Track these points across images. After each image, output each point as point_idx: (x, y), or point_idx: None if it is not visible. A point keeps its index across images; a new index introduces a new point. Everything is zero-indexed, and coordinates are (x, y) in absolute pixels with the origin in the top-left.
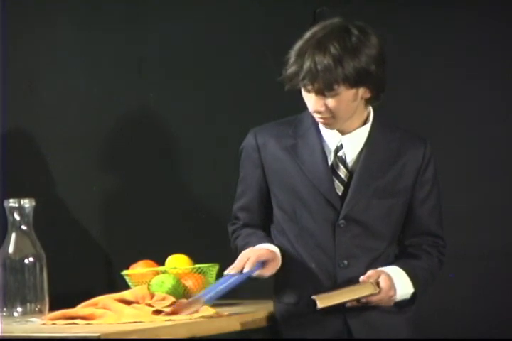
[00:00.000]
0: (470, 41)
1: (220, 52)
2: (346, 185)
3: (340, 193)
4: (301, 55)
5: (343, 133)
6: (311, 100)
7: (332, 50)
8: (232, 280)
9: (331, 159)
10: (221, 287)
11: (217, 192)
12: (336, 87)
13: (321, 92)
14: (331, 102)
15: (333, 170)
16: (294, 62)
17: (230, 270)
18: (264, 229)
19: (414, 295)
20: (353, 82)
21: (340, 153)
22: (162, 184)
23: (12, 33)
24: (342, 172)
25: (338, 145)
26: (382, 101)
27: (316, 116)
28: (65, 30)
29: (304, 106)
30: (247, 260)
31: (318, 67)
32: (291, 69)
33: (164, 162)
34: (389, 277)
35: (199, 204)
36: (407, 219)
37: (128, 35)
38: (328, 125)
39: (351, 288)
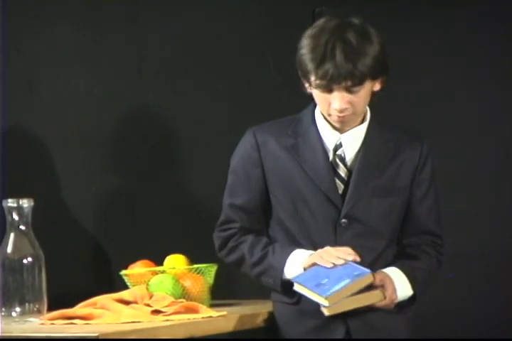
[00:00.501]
0: (470, 41)
1: (220, 52)
2: (346, 184)
3: (340, 192)
4: (327, 54)
5: (341, 131)
6: (334, 99)
7: (357, 43)
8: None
9: (330, 157)
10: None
11: (217, 192)
12: (366, 80)
13: (347, 89)
14: (355, 98)
15: (333, 168)
16: (321, 63)
17: (327, 262)
18: (263, 233)
19: (412, 296)
20: (376, 74)
21: (339, 152)
22: (162, 184)
23: (12, 33)
24: (342, 171)
25: (337, 143)
26: (382, 101)
27: (338, 115)
28: (65, 30)
29: (303, 106)
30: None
31: (353, 62)
32: (322, 72)
33: (164, 162)
34: (391, 281)
35: (199, 204)
36: (406, 218)
37: (128, 35)
38: (346, 122)
39: (359, 296)
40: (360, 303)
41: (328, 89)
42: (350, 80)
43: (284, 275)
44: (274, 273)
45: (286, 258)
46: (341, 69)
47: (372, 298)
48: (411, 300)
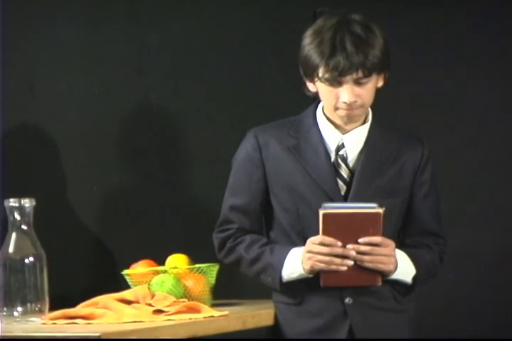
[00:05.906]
0: (470, 41)
1: (221, 52)
2: (348, 185)
3: (343, 193)
4: (336, 47)
5: (343, 132)
6: (343, 92)
7: (364, 35)
8: None
9: (332, 158)
10: None
11: (217, 192)
12: (375, 71)
13: (356, 81)
14: (363, 90)
15: (335, 169)
16: (331, 55)
17: None
18: (262, 235)
19: (414, 281)
20: (383, 66)
21: (341, 152)
22: (162, 184)
23: (12, 32)
24: (344, 172)
25: (339, 144)
26: (383, 101)
27: (346, 108)
28: (65, 30)
29: (304, 106)
30: None
31: (364, 53)
32: (333, 63)
33: (164, 162)
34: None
35: (199, 204)
36: (408, 218)
37: (128, 35)
38: (355, 117)
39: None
40: (354, 210)
41: (337, 83)
42: (361, 71)
43: (283, 275)
44: (272, 272)
45: (285, 256)
46: (353, 60)
47: (369, 209)
48: (411, 287)
